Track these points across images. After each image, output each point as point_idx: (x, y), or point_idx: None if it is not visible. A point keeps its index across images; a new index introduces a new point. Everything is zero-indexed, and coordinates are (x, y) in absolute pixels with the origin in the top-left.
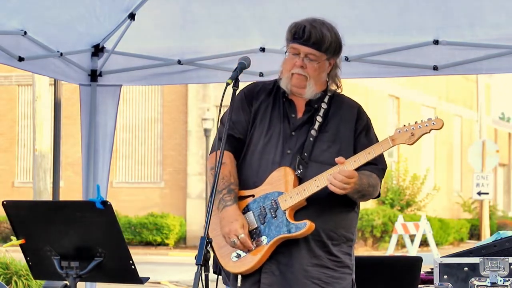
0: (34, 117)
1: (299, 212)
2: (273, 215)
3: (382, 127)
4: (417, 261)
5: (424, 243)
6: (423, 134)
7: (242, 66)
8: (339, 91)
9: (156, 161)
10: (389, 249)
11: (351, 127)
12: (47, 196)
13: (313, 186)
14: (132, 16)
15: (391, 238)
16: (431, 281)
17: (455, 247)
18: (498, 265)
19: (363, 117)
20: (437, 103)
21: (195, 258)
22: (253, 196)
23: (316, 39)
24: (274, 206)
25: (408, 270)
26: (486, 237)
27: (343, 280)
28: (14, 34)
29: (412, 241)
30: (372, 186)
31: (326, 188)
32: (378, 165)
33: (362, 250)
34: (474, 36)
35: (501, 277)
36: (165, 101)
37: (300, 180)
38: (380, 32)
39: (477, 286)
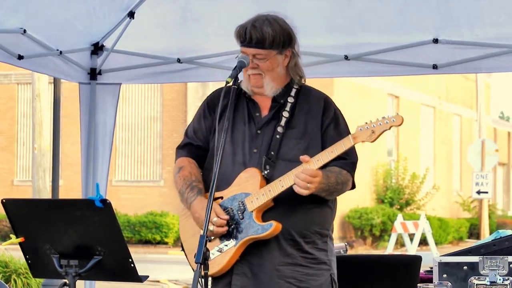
0: (34, 116)
1: (268, 213)
2: (241, 217)
3: None
4: (417, 260)
5: (423, 242)
6: (383, 131)
7: (241, 65)
8: (303, 81)
9: (155, 159)
10: (388, 248)
11: (318, 120)
12: (46, 195)
13: (278, 186)
14: (131, 15)
15: (390, 237)
16: (430, 280)
17: (455, 246)
18: (498, 264)
19: (330, 108)
20: (437, 102)
21: (195, 257)
22: (221, 198)
23: (256, 39)
24: (242, 207)
25: (407, 269)
26: (486, 236)
27: (319, 276)
28: (14, 32)
29: (411, 240)
30: (341, 183)
31: (292, 187)
32: (347, 159)
33: (361, 249)
34: (473, 35)
35: (500, 276)
36: (164, 100)
37: (268, 180)
38: (379, 31)
39: (476, 285)
